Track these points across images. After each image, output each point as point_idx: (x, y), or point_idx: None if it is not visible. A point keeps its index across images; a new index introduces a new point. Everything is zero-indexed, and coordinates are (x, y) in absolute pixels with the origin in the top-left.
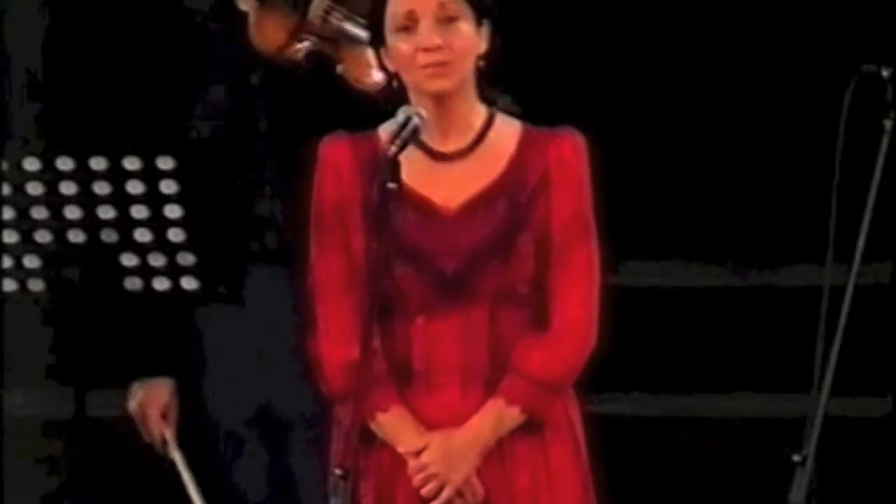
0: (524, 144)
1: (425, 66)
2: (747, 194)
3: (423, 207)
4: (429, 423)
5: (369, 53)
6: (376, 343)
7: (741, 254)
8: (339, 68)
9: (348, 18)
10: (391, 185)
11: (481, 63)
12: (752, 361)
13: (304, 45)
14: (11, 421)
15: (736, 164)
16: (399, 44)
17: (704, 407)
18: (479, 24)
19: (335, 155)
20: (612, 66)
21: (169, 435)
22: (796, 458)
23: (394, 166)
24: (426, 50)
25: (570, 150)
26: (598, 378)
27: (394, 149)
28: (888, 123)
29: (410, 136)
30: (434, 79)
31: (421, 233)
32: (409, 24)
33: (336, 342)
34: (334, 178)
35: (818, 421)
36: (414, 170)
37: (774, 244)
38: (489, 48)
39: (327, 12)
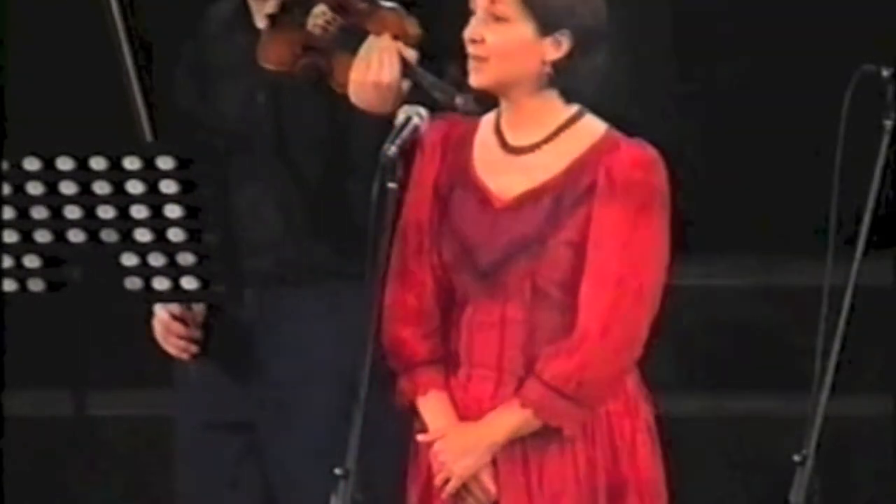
0: (594, 149)
1: (469, 57)
2: (747, 194)
3: (481, 196)
4: (463, 415)
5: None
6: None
7: (742, 253)
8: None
9: (346, 28)
10: (391, 185)
11: (548, 70)
12: (753, 361)
13: (302, 61)
14: (11, 421)
15: (736, 164)
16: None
17: (705, 407)
18: (544, 33)
19: (428, 135)
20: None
21: None
22: (796, 458)
23: (394, 166)
24: (469, 41)
25: (627, 162)
26: None
27: (393, 149)
28: (888, 123)
29: (410, 136)
30: (472, 71)
31: (472, 221)
32: (473, 11)
33: (393, 319)
34: (419, 159)
35: (818, 421)
36: (485, 158)
37: (774, 244)
38: (563, 59)
39: (328, 23)
